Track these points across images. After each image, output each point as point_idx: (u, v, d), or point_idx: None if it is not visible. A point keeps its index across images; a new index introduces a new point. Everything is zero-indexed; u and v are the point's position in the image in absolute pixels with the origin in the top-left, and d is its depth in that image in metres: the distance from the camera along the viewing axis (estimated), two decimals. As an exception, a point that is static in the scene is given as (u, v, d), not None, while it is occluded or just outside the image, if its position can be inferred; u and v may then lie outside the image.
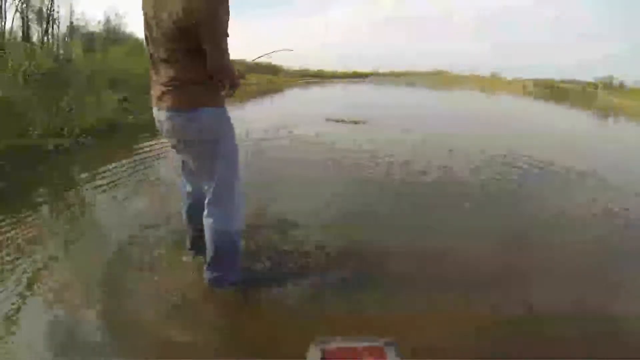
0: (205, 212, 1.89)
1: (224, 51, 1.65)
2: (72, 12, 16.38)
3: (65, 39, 14.77)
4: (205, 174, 1.85)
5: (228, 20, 1.63)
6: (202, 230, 1.97)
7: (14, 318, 1.86)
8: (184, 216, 2.18)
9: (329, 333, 1.62)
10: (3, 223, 2.86)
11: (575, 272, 2.70)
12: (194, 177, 2.02)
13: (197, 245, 2.13)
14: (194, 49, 1.63)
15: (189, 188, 2.10)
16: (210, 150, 1.79)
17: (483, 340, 1.99)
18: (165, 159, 4.88)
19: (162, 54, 1.69)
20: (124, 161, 4.80)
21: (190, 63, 1.65)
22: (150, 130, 5.56)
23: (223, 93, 1.82)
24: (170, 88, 1.68)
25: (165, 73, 1.69)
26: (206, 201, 1.89)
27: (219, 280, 1.96)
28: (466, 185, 4.45)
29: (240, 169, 1.95)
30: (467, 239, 3.04)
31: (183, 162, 2.04)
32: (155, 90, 1.77)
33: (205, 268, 2.00)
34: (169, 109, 1.71)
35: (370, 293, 2.26)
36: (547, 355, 1.91)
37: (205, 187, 1.89)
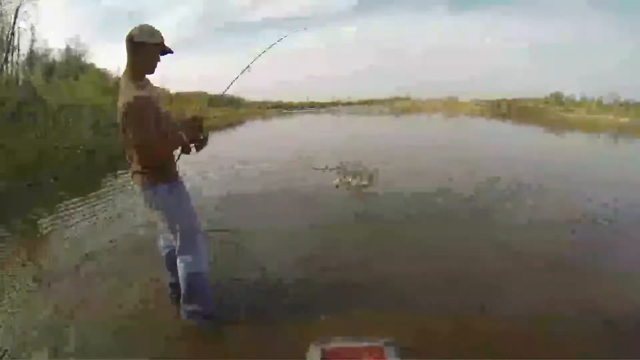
0: (178, 260, 2.26)
1: (150, 144, 1.99)
2: (33, 41, 15.91)
3: (25, 67, 14.27)
4: (170, 230, 2.23)
5: (150, 119, 1.98)
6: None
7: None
8: (164, 263, 2.49)
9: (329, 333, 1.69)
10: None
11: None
12: (166, 232, 2.36)
13: (177, 286, 2.40)
14: None
15: (163, 242, 2.46)
16: (169, 215, 2.18)
17: (478, 340, 2.14)
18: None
19: (125, 148, 2.14)
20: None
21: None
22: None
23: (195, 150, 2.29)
24: (136, 170, 2.11)
25: (132, 159, 2.13)
26: (176, 251, 2.27)
27: (193, 313, 2.29)
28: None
29: (199, 222, 2.31)
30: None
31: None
32: (130, 170, 2.20)
33: (181, 304, 2.33)
34: (139, 186, 2.16)
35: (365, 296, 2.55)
36: (544, 354, 2.04)
37: (173, 241, 2.26)
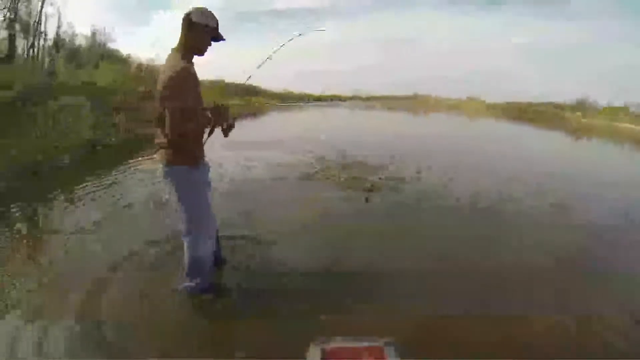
0: (183, 239, 2.42)
1: (177, 123, 2.06)
2: (59, 26, 16.29)
3: (51, 52, 14.64)
4: (178, 211, 2.34)
5: (190, 92, 2.10)
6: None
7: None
8: None
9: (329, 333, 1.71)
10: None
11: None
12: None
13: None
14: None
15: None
16: (178, 196, 2.29)
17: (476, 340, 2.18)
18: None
19: (156, 123, 2.22)
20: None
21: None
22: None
23: (224, 133, 2.39)
24: (161, 145, 2.24)
25: (157, 137, 2.25)
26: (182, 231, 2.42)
27: (192, 288, 2.47)
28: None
29: (206, 210, 2.39)
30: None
31: None
32: (156, 146, 2.31)
33: (184, 277, 2.50)
34: (159, 161, 2.27)
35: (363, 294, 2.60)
36: (540, 354, 2.09)
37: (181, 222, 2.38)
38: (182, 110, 2.04)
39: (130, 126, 8.78)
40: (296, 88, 34.14)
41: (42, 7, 14.78)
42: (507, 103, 33.40)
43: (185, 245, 2.40)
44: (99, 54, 17.20)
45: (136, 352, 2.01)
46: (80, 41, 18.59)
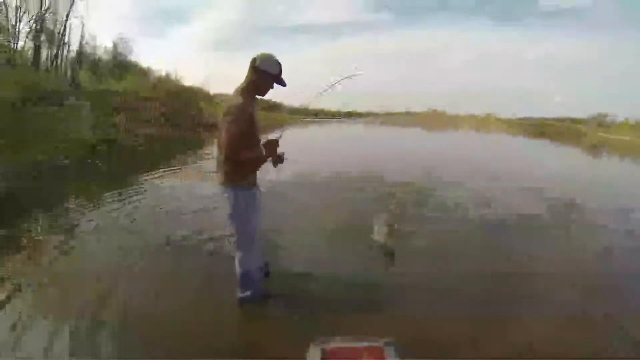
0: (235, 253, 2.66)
1: (232, 147, 2.28)
2: (82, 37, 16.89)
3: (73, 63, 15.17)
4: (232, 228, 2.58)
5: (243, 124, 2.29)
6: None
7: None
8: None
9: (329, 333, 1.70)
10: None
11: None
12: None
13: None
14: None
15: None
16: (231, 214, 2.50)
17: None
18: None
19: (218, 149, 2.45)
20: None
21: None
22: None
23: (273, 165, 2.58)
24: (219, 168, 2.48)
25: (218, 160, 2.50)
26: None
27: (245, 298, 2.66)
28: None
29: (256, 228, 2.58)
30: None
31: None
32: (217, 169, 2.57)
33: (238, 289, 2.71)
34: (220, 183, 2.50)
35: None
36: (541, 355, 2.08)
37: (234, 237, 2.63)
38: (235, 137, 2.26)
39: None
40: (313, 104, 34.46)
41: (67, 18, 15.39)
42: (524, 119, 33.08)
43: (237, 259, 2.59)
44: (119, 65, 17.72)
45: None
46: (101, 53, 19.22)
